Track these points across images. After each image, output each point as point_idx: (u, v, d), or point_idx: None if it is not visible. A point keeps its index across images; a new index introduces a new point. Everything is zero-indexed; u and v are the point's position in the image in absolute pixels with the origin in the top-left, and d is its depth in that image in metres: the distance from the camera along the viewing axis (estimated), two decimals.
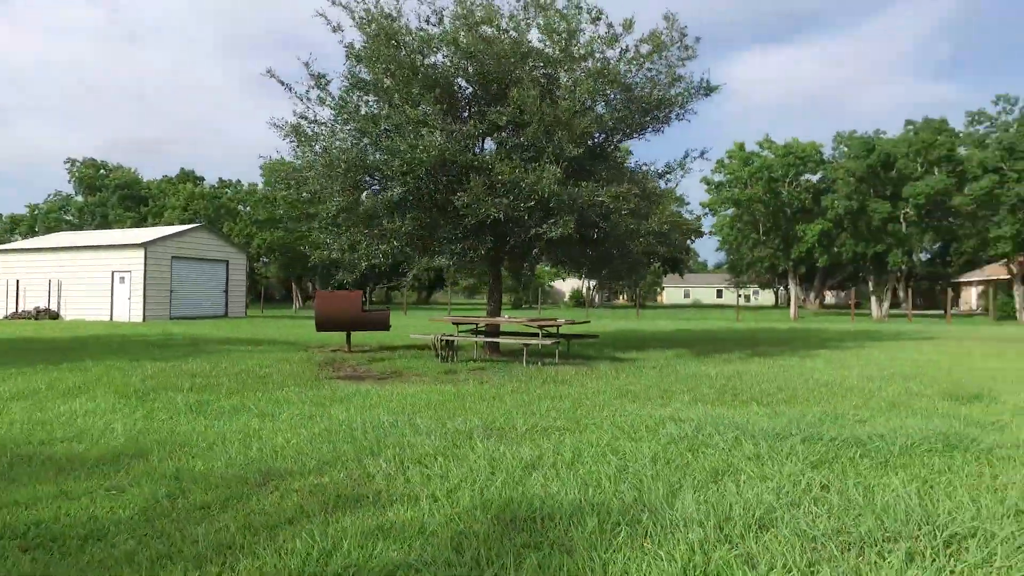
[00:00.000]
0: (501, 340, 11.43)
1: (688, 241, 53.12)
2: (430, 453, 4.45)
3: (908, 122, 31.41)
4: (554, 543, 2.90)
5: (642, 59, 10.80)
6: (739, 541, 2.87)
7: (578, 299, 57.70)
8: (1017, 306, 32.31)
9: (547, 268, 26.11)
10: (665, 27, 11.01)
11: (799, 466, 4.10)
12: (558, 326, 11.07)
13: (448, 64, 10.41)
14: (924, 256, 42.64)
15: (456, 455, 4.41)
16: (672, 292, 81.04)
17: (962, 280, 47.54)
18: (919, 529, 3.02)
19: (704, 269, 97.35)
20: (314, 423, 5.47)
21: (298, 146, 10.59)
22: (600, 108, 11.08)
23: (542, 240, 9.91)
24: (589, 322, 13.52)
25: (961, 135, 31.08)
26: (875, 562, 2.68)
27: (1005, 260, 32.44)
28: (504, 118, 9.62)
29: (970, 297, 48.05)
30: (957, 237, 34.81)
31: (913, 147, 29.85)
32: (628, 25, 10.75)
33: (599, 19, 10.79)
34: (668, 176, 12.62)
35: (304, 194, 11.81)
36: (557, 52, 10.49)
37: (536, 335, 10.68)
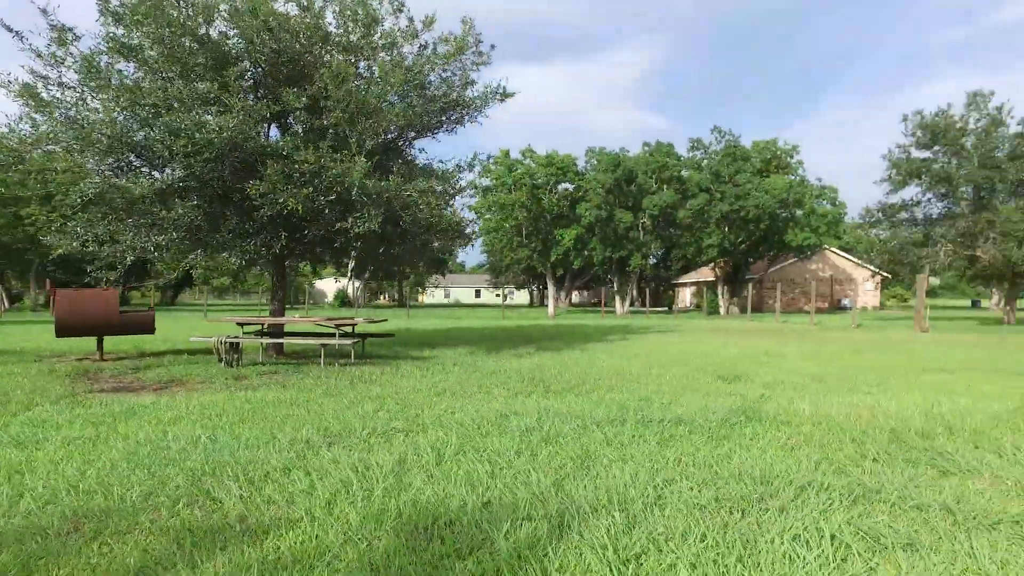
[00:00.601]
0: (292, 341, 10.59)
1: (471, 241, 54.66)
2: (279, 467, 3.93)
3: (645, 143, 36.30)
4: (475, 548, 2.75)
5: (441, 58, 10.82)
6: (646, 520, 3.01)
7: (343, 299, 55.94)
8: (721, 302, 39.07)
9: (306, 266, 24.80)
10: (462, 30, 11.19)
11: (650, 446, 4.44)
12: (354, 325, 10.60)
13: (237, 38, 9.31)
14: (652, 261, 49.33)
15: (311, 467, 3.95)
16: (432, 292, 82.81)
17: (679, 281, 56.08)
18: (773, 487, 3.47)
19: (462, 269, 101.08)
20: (107, 447, 4.48)
21: (34, 111, 8.58)
22: (395, 100, 10.85)
23: (345, 235, 9.37)
24: (387, 320, 13.14)
25: (683, 159, 36.74)
26: (760, 520, 3.00)
27: (713, 264, 39.04)
28: (304, 99, 8.89)
29: (686, 296, 56.88)
30: (678, 244, 40.89)
31: (650, 166, 34.53)
32: (429, 22, 10.69)
33: (401, 10, 10.57)
34: (458, 175, 12.86)
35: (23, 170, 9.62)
36: (358, 39, 10.02)
37: (332, 335, 10.10)
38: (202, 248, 9.61)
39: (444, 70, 11.17)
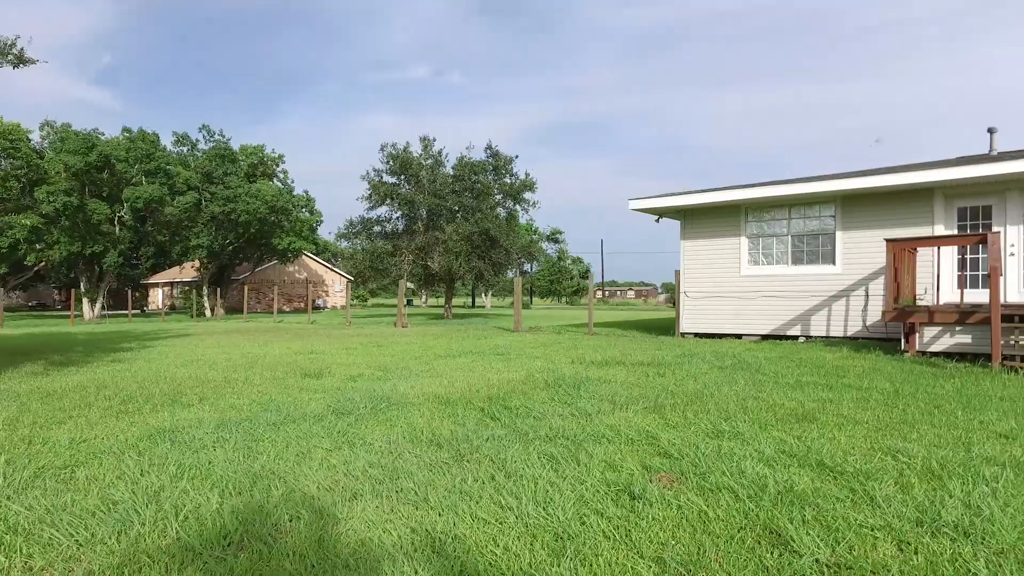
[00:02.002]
0: None
1: None
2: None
3: (125, 129, 32.22)
4: (299, 554, 3.30)
5: None
6: (435, 481, 4.02)
7: None
8: (207, 304, 37.94)
9: None
10: None
11: (351, 434, 5.25)
12: None
13: None
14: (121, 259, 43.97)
15: (31, 523, 3.41)
16: None
17: (150, 282, 51.24)
18: (484, 443, 4.88)
19: None
20: None
21: None
22: None
23: None
24: None
25: (170, 153, 34.22)
26: (508, 457, 4.36)
27: (199, 265, 37.54)
28: None
29: (158, 297, 52.30)
30: (153, 242, 37.72)
31: (131, 154, 30.90)
32: None
33: None
34: None
35: None
36: None
37: None
38: None
39: None
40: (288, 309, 46.17)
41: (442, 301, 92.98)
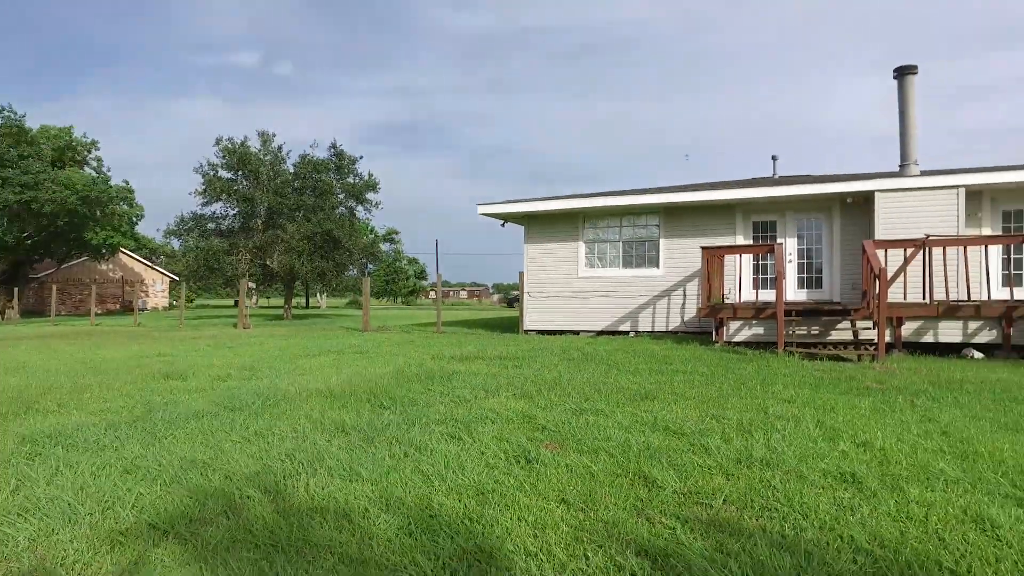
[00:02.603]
0: None
1: None
2: None
3: None
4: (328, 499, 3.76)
5: None
6: (364, 454, 4.55)
7: None
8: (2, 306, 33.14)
9: None
10: None
11: (258, 425, 5.55)
12: None
13: None
14: None
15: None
16: None
17: None
18: (388, 425, 5.43)
19: None
20: None
21: None
22: None
23: None
24: None
25: None
26: (416, 437, 4.97)
27: None
28: None
29: None
30: None
31: None
32: None
33: None
34: None
35: None
36: None
37: None
38: None
39: None
40: (100, 311, 41.49)
41: (273, 302, 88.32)
